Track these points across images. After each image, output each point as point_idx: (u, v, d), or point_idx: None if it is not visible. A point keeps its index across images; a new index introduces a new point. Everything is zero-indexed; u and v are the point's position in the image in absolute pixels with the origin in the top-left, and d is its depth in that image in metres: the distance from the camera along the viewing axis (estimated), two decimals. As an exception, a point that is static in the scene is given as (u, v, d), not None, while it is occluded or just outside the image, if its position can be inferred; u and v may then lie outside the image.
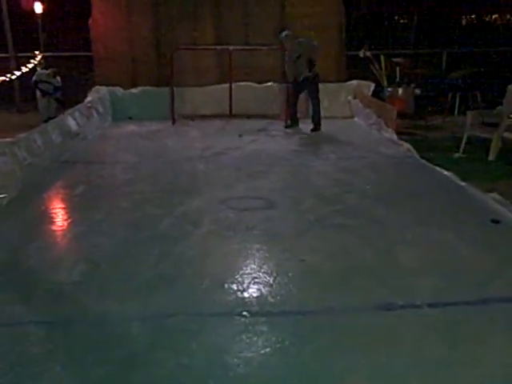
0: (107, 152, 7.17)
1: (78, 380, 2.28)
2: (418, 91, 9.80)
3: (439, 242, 3.74)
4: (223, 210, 4.47)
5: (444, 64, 10.98)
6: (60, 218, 4.46)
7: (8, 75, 10.30)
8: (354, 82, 10.05)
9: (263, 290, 3.03)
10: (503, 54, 11.59)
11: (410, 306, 2.86)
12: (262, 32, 9.71)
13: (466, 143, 6.57)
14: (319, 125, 8.27)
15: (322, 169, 5.92)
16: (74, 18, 11.97)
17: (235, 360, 2.38)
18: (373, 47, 10.28)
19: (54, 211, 4.68)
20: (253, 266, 3.37)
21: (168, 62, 9.01)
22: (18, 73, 10.44)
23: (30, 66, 10.46)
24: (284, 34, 8.38)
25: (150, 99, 9.62)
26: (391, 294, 2.98)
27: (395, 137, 7.27)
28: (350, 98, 9.92)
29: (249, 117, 9.31)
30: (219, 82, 9.80)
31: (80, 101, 8.83)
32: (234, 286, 3.07)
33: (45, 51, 11.08)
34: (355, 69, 10.52)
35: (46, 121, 8.23)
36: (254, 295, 2.98)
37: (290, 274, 3.23)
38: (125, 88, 9.83)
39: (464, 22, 12.77)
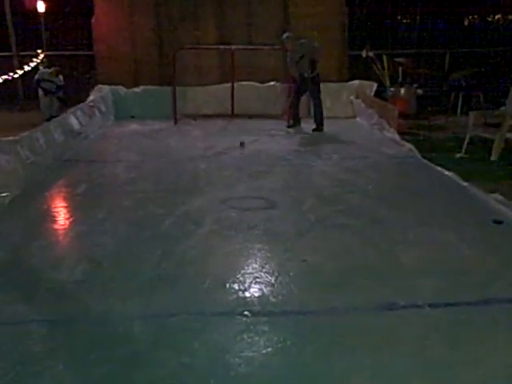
0: (109, 151, 7.19)
1: (79, 379, 2.28)
2: (420, 91, 9.80)
3: (441, 242, 3.74)
4: (225, 210, 4.47)
5: (447, 64, 10.96)
6: (62, 216, 4.47)
7: (11, 74, 10.33)
8: (357, 81, 10.05)
9: (265, 290, 3.03)
10: (506, 54, 11.57)
11: (411, 306, 2.86)
12: (265, 32, 9.72)
13: (468, 143, 6.56)
14: (322, 125, 8.25)
15: (323, 169, 5.92)
16: (76, 18, 11.99)
17: (237, 359, 2.38)
18: (375, 47, 10.28)
19: (56, 210, 4.69)
20: (254, 265, 3.37)
21: (170, 61, 9.02)
22: (20, 71, 10.47)
23: (33, 64, 10.50)
24: (285, 35, 8.38)
25: (152, 98, 9.65)
26: (393, 294, 2.97)
27: (397, 137, 7.27)
28: (352, 97, 9.91)
29: (251, 117, 9.31)
30: (221, 82, 9.81)
31: (82, 100, 8.85)
32: (236, 286, 3.07)
33: (47, 50, 11.12)
34: (357, 69, 10.51)
35: (48, 119, 8.25)
36: (256, 295, 2.98)
37: (291, 274, 3.23)
38: (127, 87, 9.85)
39: (466, 22, 12.75)
